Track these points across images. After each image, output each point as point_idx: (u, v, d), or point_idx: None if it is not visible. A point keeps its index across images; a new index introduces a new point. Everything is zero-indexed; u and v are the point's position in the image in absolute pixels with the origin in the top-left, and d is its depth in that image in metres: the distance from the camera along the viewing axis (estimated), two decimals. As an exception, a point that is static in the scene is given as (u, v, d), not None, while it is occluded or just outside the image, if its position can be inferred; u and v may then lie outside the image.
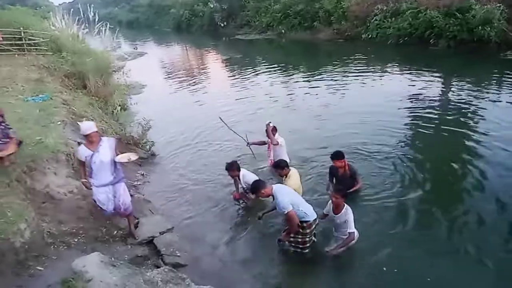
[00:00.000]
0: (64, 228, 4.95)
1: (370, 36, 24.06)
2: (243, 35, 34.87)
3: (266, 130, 6.73)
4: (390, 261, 4.70)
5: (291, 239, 4.78)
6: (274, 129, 6.78)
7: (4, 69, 11.61)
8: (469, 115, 9.81)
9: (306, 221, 4.60)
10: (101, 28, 18.08)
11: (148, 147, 8.57)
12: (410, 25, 21.60)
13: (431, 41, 20.47)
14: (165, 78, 19.20)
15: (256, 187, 4.84)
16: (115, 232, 5.34)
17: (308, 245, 4.77)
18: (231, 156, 7.69)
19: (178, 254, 4.93)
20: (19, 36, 14.55)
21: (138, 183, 7.28)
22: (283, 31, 31.52)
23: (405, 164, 7.21)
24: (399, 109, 10.59)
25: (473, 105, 10.54)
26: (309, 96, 12.87)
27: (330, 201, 4.77)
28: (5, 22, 14.90)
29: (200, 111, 12.01)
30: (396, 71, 16.38)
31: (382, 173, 6.87)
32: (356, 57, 19.46)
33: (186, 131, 9.96)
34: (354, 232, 4.57)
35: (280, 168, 5.56)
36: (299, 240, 4.74)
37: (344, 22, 26.45)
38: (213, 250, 5.22)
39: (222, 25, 40.32)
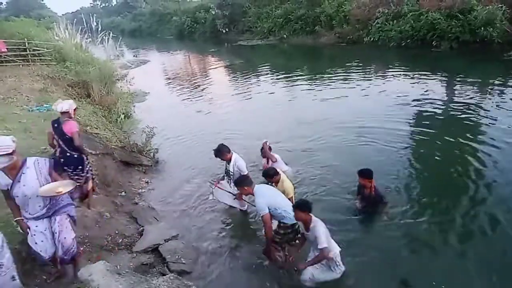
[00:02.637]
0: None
1: (372, 39, 24.10)
2: (245, 41, 35.05)
3: (262, 149, 6.64)
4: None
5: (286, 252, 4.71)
6: (269, 149, 6.71)
7: (9, 80, 11.76)
8: (473, 117, 9.72)
9: (284, 223, 4.54)
10: (104, 37, 18.25)
11: (152, 154, 8.58)
12: (412, 27, 21.63)
13: (433, 43, 20.47)
14: (168, 85, 19.29)
15: (241, 181, 4.84)
16: (120, 240, 5.34)
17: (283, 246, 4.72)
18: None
19: (183, 261, 4.92)
20: (24, 47, 14.74)
21: (143, 190, 7.29)
22: (284, 36, 31.67)
23: (407, 167, 7.18)
24: (402, 112, 10.53)
25: (477, 106, 10.46)
26: (311, 101, 12.86)
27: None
28: (10, 34, 15.14)
29: (203, 118, 12.04)
30: (398, 74, 16.34)
31: (386, 175, 6.83)
32: (358, 61, 19.45)
33: (190, 138, 9.99)
34: (326, 248, 4.01)
35: (269, 177, 5.32)
36: (277, 240, 4.65)
37: (346, 25, 26.54)
38: (219, 257, 5.20)
39: (224, 31, 40.58)
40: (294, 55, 26.96)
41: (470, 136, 8.47)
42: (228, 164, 5.57)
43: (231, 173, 5.55)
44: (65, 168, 5.16)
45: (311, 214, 4.11)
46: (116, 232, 5.50)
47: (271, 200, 4.54)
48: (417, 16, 21.54)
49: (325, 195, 6.46)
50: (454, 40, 19.66)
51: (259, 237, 5.54)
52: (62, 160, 5.16)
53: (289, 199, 5.00)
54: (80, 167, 5.33)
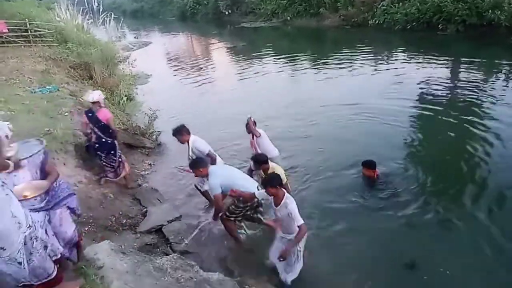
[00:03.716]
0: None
1: (377, 22, 23.71)
2: (248, 23, 34.55)
3: (247, 125, 6.41)
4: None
5: (242, 224, 4.89)
6: (254, 124, 6.45)
7: (11, 61, 11.68)
8: (479, 101, 9.70)
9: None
10: (105, 18, 18.03)
11: (154, 136, 8.62)
12: (418, 10, 21.21)
13: (439, 26, 20.13)
14: (170, 67, 19.18)
15: (194, 164, 4.80)
16: (124, 221, 5.42)
17: (240, 219, 4.84)
18: (237, 144, 7.75)
19: (186, 242, 5.00)
20: (25, 28, 14.59)
21: (146, 172, 7.35)
22: (288, 18, 31.18)
23: (410, 151, 7.20)
24: (407, 95, 10.49)
25: (483, 90, 10.41)
26: (314, 84, 12.82)
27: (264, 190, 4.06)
28: (11, 14, 14.95)
29: (205, 101, 12.05)
30: (403, 57, 16.18)
31: (390, 161, 6.87)
32: (363, 44, 19.23)
33: (192, 120, 9.88)
34: (304, 224, 3.88)
35: (258, 163, 5.19)
36: (232, 209, 4.72)
37: (351, 8, 26.06)
38: (221, 238, 5.27)
39: (227, 13, 39.96)
40: (298, 38, 26.62)
41: (476, 118, 8.52)
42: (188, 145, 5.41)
43: (190, 156, 5.38)
44: (99, 153, 5.83)
45: (283, 189, 4.00)
46: (120, 213, 5.58)
47: (225, 180, 4.57)
48: (424, -1, 21.14)
49: (327, 176, 6.56)
50: (461, 23, 19.31)
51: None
52: (97, 145, 5.81)
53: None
54: (113, 151, 5.92)
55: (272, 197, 3.97)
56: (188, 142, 5.38)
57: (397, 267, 4.51)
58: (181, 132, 5.37)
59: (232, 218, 4.77)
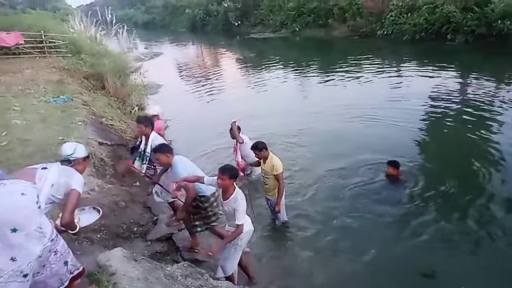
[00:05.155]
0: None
1: (385, 32, 23.83)
2: (257, 33, 34.93)
3: (231, 129, 6.52)
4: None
5: (197, 222, 4.65)
6: (238, 129, 6.61)
7: (27, 71, 12.02)
8: (487, 113, 9.63)
9: (203, 196, 4.48)
10: (118, 29, 18.40)
11: (165, 146, 8.71)
12: (426, 20, 21.28)
13: (448, 36, 20.15)
14: (181, 77, 19.45)
15: (160, 148, 4.52)
16: (135, 228, 5.50)
17: (214, 218, 4.66)
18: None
19: (196, 250, 5.05)
20: (40, 39, 15.00)
21: (156, 181, 7.44)
22: (297, 29, 31.45)
23: (419, 162, 7.20)
24: (415, 106, 10.49)
25: (492, 102, 10.35)
26: (324, 95, 12.89)
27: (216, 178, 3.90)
28: (27, 26, 15.40)
29: (215, 111, 12.16)
30: (412, 67, 16.18)
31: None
32: (371, 54, 19.30)
33: (203, 130, 10.11)
34: (242, 225, 3.82)
35: (258, 150, 5.15)
36: (204, 215, 4.60)
37: (359, 18, 26.25)
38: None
39: (236, 24, 40.45)
40: (307, 48, 26.79)
41: (485, 129, 8.50)
42: (146, 143, 5.12)
43: (147, 153, 5.10)
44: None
45: (235, 184, 3.90)
46: (131, 220, 5.66)
47: (192, 171, 4.47)
48: (432, 9, 21.17)
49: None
50: (470, 34, 19.31)
51: (269, 227, 5.68)
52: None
53: (277, 175, 5.07)
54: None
55: (221, 189, 3.89)
56: (147, 136, 5.11)
57: (415, 276, 4.51)
58: (144, 122, 5.10)
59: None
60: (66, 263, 2.80)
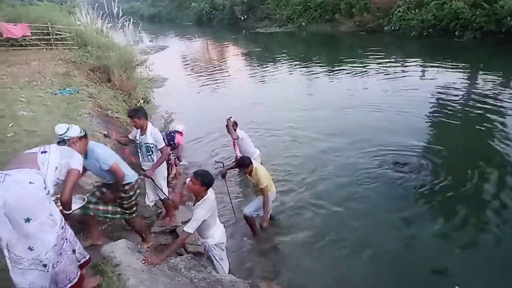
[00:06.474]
0: (92, 216, 5.16)
1: (393, 28, 23.59)
2: (263, 28, 34.76)
3: (227, 125, 6.48)
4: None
5: (118, 209, 4.33)
6: (235, 124, 6.53)
7: (34, 63, 12.08)
8: (496, 110, 9.54)
9: (128, 183, 4.22)
10: (124, 22, 18.39)
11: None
12: (434, 16, 21.03)
13: (456, 33, 19.92)
14: (186, 71, 19.44)
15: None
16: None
17: (135, 208, 4.46)
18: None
19: (199, 243, 5.08)
20: (47, 31, 15.05)
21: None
22: (303, 23, 31.26)
23: (426, 159, 7.17)
24: (422, 103, 10.43)
25: (500, 99, 10.25)
26: (330, 91, 12.85)
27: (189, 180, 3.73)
28: (34, 18, 15.44)
29: (221, 104, 12.16)
30: (419, 64, 16.05)
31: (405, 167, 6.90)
32: (378, 50, 19.15)
33: (207, 123, 10.10)
34: (188, 234, 3.63)
35: (245, 167, 4.98)
36: (125, 205, 4.32)
37: (366, 14, 26.02)
38: (233, 240, 5.35)
39: (243, 18, 40.29)
40: (313, 43, 26.66)
41: (493, 125, 8.47)
42: (142, 135, 4.95)
43: (150, 144, 4.97)
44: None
45: (207, 192, 3.69)
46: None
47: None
48: (440, 5, 20.91)
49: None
50: (478, 30, 19.07)
51: (275, 223, 5.69)
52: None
53: (262, 189, 4.90)
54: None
55: (192, 194, 3.75)
56: (143, 128, 4.91)
57: (425, 273, 4.50)
58: (137, 115, 4.83)
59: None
60: (74, 251, 2.85)
